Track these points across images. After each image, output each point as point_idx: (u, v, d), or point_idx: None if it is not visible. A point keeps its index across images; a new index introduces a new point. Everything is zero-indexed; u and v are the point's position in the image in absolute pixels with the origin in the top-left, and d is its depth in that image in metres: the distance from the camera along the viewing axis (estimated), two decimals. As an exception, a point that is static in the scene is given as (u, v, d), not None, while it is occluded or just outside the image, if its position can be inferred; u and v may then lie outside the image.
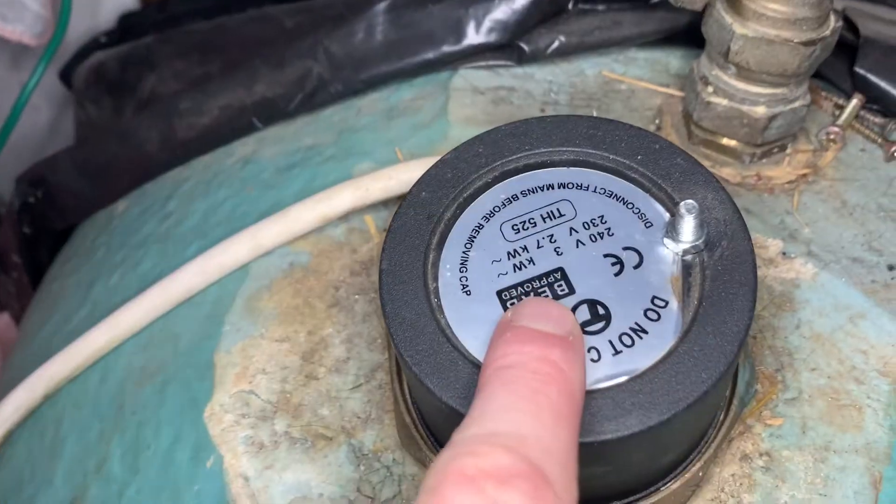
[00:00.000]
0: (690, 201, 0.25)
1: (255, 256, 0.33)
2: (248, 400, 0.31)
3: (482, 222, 0.27)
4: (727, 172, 0.34)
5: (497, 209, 0.27)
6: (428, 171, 0.27)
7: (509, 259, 0.26)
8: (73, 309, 0.39)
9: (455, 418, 0.24)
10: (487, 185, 0.27)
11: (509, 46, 0.38)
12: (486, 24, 0.38)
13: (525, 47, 0.38)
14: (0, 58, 0.54)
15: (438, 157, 0.29)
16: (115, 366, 0.34)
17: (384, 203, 0.34)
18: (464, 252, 0.26)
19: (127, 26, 0.52)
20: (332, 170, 0.36)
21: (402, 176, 0.33)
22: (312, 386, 0.31)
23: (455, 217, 0.27)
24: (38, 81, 0.50)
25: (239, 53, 0.42)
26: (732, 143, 0.34)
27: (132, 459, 0.31)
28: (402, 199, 0.29)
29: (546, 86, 0.38)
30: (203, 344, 0.32)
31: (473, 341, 0.25)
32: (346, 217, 0.34)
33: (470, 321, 0.25)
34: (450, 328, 0.25)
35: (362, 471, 0.29)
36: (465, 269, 0.26)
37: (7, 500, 0.35)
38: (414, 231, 0.26)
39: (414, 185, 0.27)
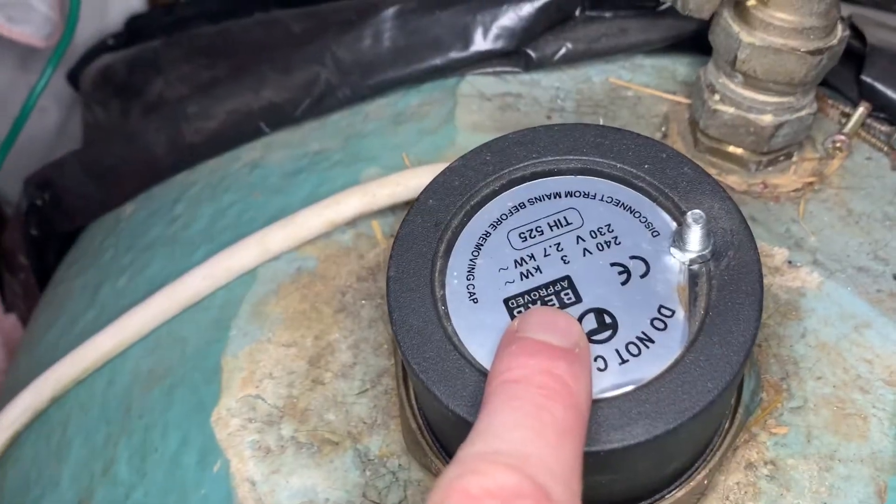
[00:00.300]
0: (697, 211, 0.25)
1: (263, 261, 0.34)
2: (255, 404, 0.31)
3: (489, 230, 0.27)
4: (733, 180, 0.35)
5: (504, 217, 0.27)
6: (435, 178, 0.27)
7: (516, 267, 0.26)
8: (80, 311, 0.40)
9: (461, 426, 0.24)
10: (495, 193, 0.27)
11: (516, 53, 0.38)
12: (494, 30, 0.38)
13: (532, 54, 0.38)
14: (8, 60, 0.54)
15: (446, 164, 0.29)
16: (123, 369, 0.34)
17: (391, 209, 0.34)
18: (471, 260, 0.26)
19: (134, 29, 0.52)
20: (340, 175, 0.36)
21: (410, 182, 0.33)
22: (319, 391, 0.31)
23: (462, 225, 0.27)
24: (47, 83, 0.51)
25: (246, 58, 0.43)
26: (738, 150, 0.34)
27: (139, 462, 0.32)
28: (409, 205, 0.29)
29: (553, 92, 0.38)
30: (210, 348, 0.32)
31: (480, 349, 0.25)
32: (353, 222, 0.34)
33: (477, 329, 0.25)
34: (457, 336, 0.25)
35: (368, 476, 0.29)
36: (472, 277, 0.26)
37: (14, 502, 0.35)
38: (421, 238, 0.26)
39: (421, 193, 0.27)
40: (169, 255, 0.37)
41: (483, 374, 0.24)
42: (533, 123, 0.36)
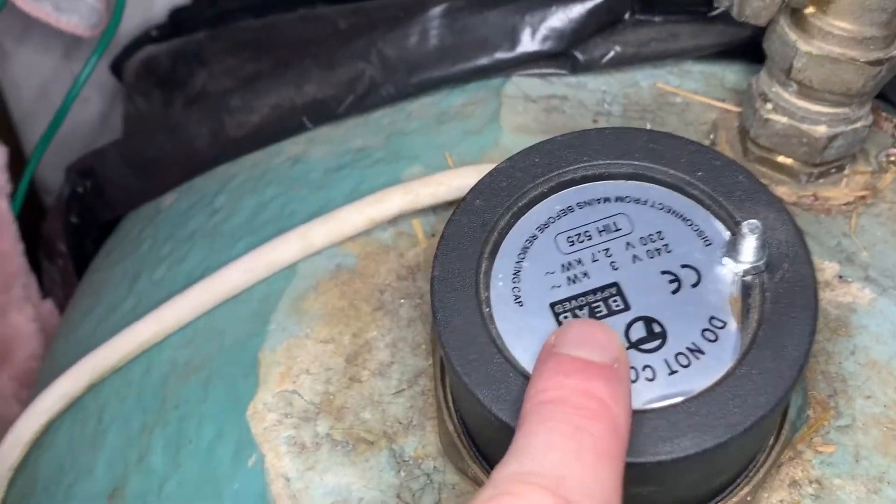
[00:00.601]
0: (754, 221, 0.24)
1: (304, 256, 0.33)
2: (292, 400, 0.31)
3: (536, 233, 0.26)
4: (782, 191, 0.34)
5: (552, 220, 0.26)
6: (483, 179, 0.27)
7: (563, 271, 0.25)
8: (117, 300, 0.40)
9: (503, 430, 0.23)
10: (543, 196, 0.27)
11: (563, 55, 0.38)
12: (542, 31, 0.37)
13: (579, 56, 0.37)
14: (54, 49, 0.55)
15: (490, 164, 0.28)
16: (160, 359, 0.34)
17: (433, 208, 0.34)
18: (517, 262, 0.26)
19: (177, 21, 0.52)
20: (382, 173, 0.36)
21: (453, 182, 0.33)
22: (355, 389, 0.31)
23: (509, 226, 0.26)
24: (91, 73, 0.51)
25: (290, 52, 0.43)
26: (789, 161, 0.34)
27: (174, 453, 0.32)
28: (455, 205, 0.29)
29: (599, 96, 0.37)
30: (248, 341, 0.32)
31: (524, 353, 0.24)
32: (394, 221, 0.34)
33: (521, 332, 0.25)
34: (501, 339, 0.25)
35: (403, 477, 0.29)
36: (517, 280, 0.26)
37: (47, 488, 0.35)
38: (467, 239, 0.26)
39: (468, 193, 0.27)
40: (209, 246, 0.37)
41: (527, 378, 0.24)
42: (579, 127, 0.36)
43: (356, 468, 0.29)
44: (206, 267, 0.36)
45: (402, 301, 0.32)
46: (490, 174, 0.27)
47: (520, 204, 0.27)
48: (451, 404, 0.28)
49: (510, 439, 0.23)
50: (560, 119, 0.36)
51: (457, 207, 0.27)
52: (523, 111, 0.37)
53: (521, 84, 0.38)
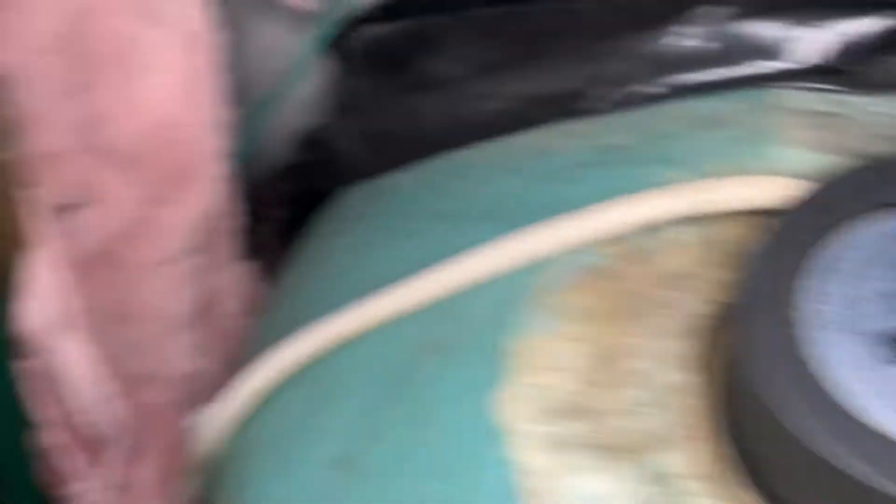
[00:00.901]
0: None
1: (557, 250, 0.33)
2: (540, 395, 0.30)
3: (857, 255, 0.25)
4: None
5: (876, 244, 0.25)
6: (803, 193, 0.25)
7: (888, 301, 0.24)
8: (340, 273, 0.40)
9: (807, 461, 0.22)
10: (867, 217, 0.25)
11: (841, 71, 0.35)
12: (820, 44, 0.35)
13: (860, 74, 0.35)
14: (280, 23, 0.56)
15: (774, 177, 0.27)
16: (398, 336, 0.34)
17: (701, 217, 0.32)
18: (833, 284, 0.24)
19: (404, 2, 0.53)
20: (633, 174, 0.35)
21: (732, 191, 0.31)
22: (608, 394, 0.30)
23: (825, 246, 0.25)
24: (313, 49, 0.52)
25: (535, 44, 0.42)
26: None
27: (412, 433, 0.31)
28: (768, 216, 0.27)
29: (880, 119, 0.35)
30: (495, 330, 0.32)
31: (839, 383, 0.23)
32: (656, 226, 0.32)
33: (836, 360, 0.23)
34: (811, 364, 0.23)
35: (658, 493, 0.27)
36: (832, 303, 0.24)
37: (273, 447, 0.36)
38: (778, 254, 0.25)
39: (785, 206, 0.25)
40: (445, 230, 0.37)
41: (843, 410, 0.22)
42: (857, 148, 0.34)
43: (608, 475, 0.28)
44: (442, 250, 0.36)
45: (660, 310, 0.31)
46: (812, 189, 0.25)
47: (840, 223, 0.25)
48: (728, 426, 0.27)
49: (814, 472, 0.21)
50: (837, 138, 0.34)
51: (769, 219, 0.25)
52: (796, 125, 0.34)
53: (793, 97, 0.35)
